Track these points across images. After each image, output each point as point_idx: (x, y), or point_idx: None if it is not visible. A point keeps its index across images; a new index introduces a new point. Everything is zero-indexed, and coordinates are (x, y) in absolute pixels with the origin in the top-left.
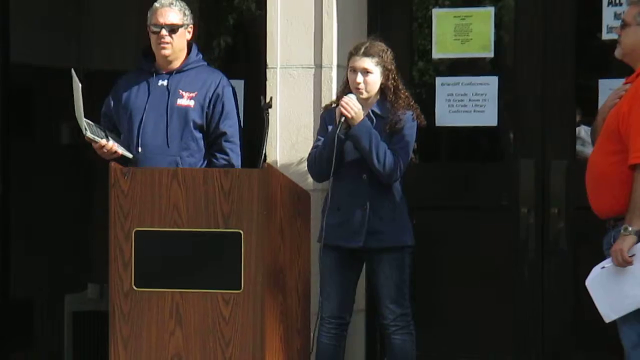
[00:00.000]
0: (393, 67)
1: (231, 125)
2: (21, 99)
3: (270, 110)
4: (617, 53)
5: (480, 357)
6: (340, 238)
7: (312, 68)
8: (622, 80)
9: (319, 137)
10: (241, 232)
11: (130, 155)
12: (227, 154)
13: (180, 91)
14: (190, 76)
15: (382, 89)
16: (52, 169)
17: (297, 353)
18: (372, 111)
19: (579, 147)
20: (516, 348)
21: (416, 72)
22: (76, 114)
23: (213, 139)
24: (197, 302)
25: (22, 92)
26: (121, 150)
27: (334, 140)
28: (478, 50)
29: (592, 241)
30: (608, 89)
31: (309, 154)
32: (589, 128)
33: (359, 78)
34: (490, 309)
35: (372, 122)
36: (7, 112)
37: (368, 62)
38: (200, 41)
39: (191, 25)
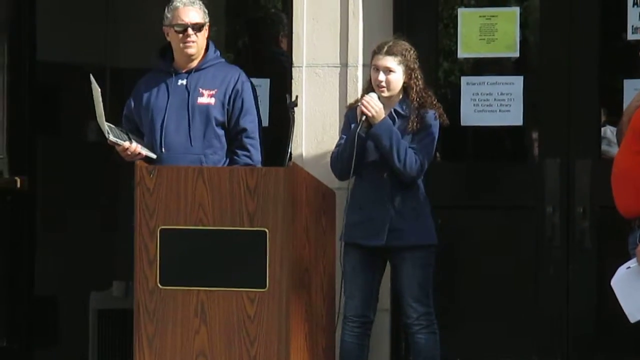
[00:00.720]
0: (416, 66)
1: (252, 121)
2: (48, 97)
3: (296, 108)
4: None
5: (504, 357)
6: (362, 237)
7: (337, 67)
8: None
9: (342, 135)
10: (266, 230)
11: (154, 156)
12: (248, 150)
13: (201, 89)
14: (209, 74)
15: (405, 88)
16: (79, 166)
17: (322, 352)
18: (395, 110)
19: (604, 147)
20: (541, 348)
21: (441, 72)
22: (97, 118)
23: (234, 135)
24: (222, 300)
25: (49, 89)
26: (145, 152)
27: (355, 139)
28: (503, 50)
29: (617, 240)
30: (633, 89)
31: (332, 153)
32: (615, 128)
33: (381, 76)
34: (515, 309)
35: (394, 121)
36: (34, 110)
37: (391, 61)
38: (227, 39)
39: (209, 23)
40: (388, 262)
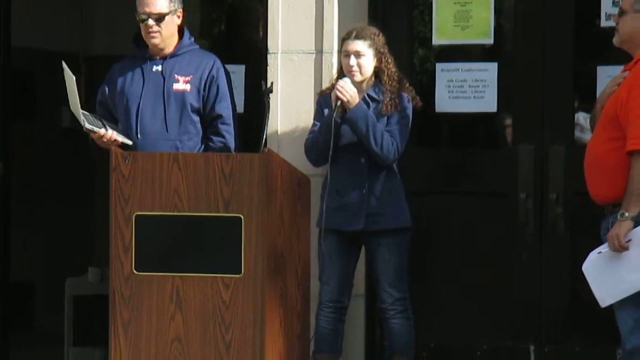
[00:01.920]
0: (385, 50)
1: (227, 107)
2: (22, 83)
3: (271, 95)
4: (615, 41)
5: (478, 342)
6: (340, 222)
7: (312, 53)
8: (621, 68)
9: (316, 122)
10: (241, 216)
11: (130, 142)
12: (223, 137)
13: (176, 75)
14: (184, 60)
15: (376, 72)
16: (53, 152)
17: (297, 337)
18: (368, 94)
19: (577, 133)
20: (514, 333)
21: (416, 58)
22: (71, 107)
23: (209, 122)
24: (197, 286)
25: (23, 75)
26: (120, 138)
27: (331, 124)
28: (478, 36)
29: (590, 226)
30: (606, 76)
31: (306, 139)
32: (588, 115)
33: (352, 61)
34: (488, 294)
35: (367, 105)
36: (9, 95)
37: (360, 45)
38: (202, 26)
39: (180, 10)
40: (363, 248)
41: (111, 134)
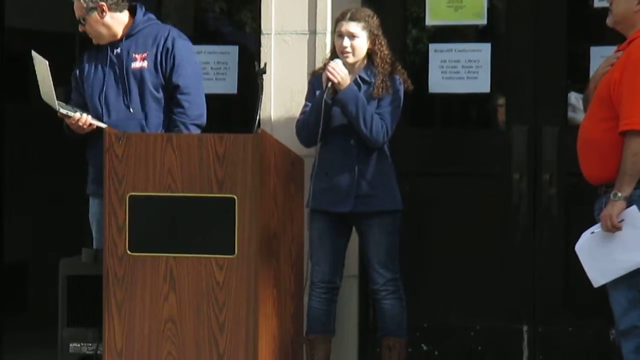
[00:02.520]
0: (379, 33)
1: (185, 77)
2: (16, 63)
3: (264, 76)
4: (609, 21)
5: (471, 322)
6: (329, 203)
7: (306, 34)
8: (614, 48)
9: (307, 102)
10: (235, 197)
11: (104, 126)
12: (182, 107)
13: (133, 54)
14: (140, 38)
15: (369, 54)
16: (47, 133)
17: (290, 317)
18: (359, 76)
19: (570, 114)
20: (507, 313)
21: (410, 39)
22: (43, 94)
23: (169, 94)
24: (191, 266)
25: (17, 56)
26: (95, 122)
27: (321, 105)
28: (471, 17)
29: (584, 206)
30: (600, 56)
31: (297, 120)
32: (580, 95)
33: (346, 42)
34: (482, 275)
35: (359, 87)
36: (2, 76)
37: (354, 27)
38: (195, 7)
39: (100, 3)
40: (354, 228)
41: (86, 117)
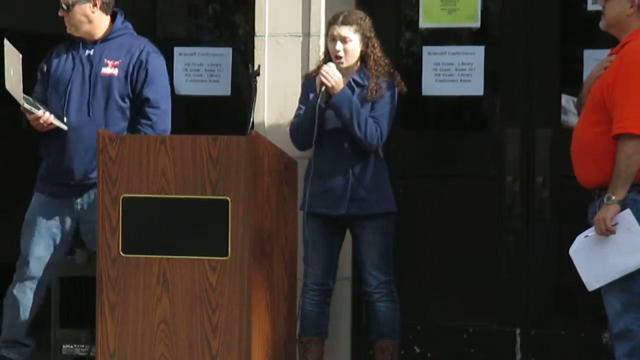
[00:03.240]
0: (372, 35)
1: (155, 92)
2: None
3: (258, 78)
4: (602, 25)
5: (465, 325)
6: (323, 206)
7: (300, 36)
8: (607, 51)
9: (301, 106)
10: (228, 199)
11: (65, 127)
12: (150, 119)
13: (105, 60)
14: (115, 44)
15: (362, 57)
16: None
17: (284, 319)
18: (353, 79)
19: (564, 117)
20: (500, 316)
21: (403, 41)
22: (8, 85)
23: (138, 106)
24: (184, 268)
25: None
26: (57, 122)
27: (315, 109)
28: (465, 20)
29: (577, 210)
30: (593, 59)
31: (291, 123)
32: (571, 97)
33: (339, 46)
34: (475, 278)
35: (352, 90)
36: None
37: (346, 30)
38: (190, 9)
39: None
40: (348, 231)
41: (48, 116)
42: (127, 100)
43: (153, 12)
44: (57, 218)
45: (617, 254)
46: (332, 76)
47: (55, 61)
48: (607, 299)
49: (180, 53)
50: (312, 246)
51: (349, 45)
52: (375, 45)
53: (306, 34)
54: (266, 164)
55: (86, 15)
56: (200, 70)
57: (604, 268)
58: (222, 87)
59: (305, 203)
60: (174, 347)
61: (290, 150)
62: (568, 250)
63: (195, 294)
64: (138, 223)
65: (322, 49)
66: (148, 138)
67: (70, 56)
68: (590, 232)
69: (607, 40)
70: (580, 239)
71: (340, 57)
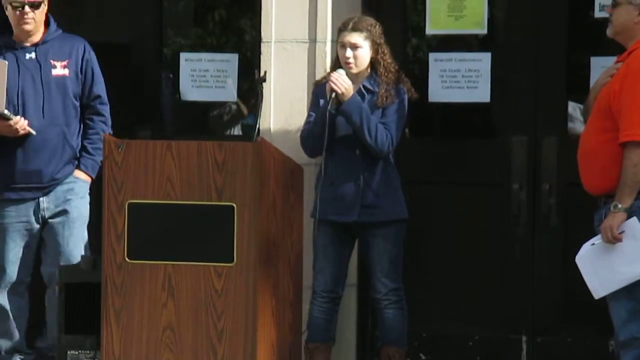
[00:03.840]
0: (382, 41)
1: (102, 89)
2: None
3: (264, 84)
4: (609, 32)
5: (470, 332)
6: (335, 213)
7: (306, 42)
8: (614, 59)
9: (311, 112)
10: (234, 205)
11: (34, 133)
12: (103, 115)
13: (52, 61)
14: (55, 45)
15: (372, 64)
16: None
17: (289, 326)
18: (363, 86)
19: (570, 124)
20: (506, 323)
21: (410, 48)
22: None
23: (87, 103)
24: (189, 274)
25: None
26: (29, 128)
27: (325, 116)
28: (471, 26)
29: (583, 217)
30: (600, 67)
31: (302, 130)
32: (578, 105)
33: (349, 53)
34: (481, 285)
35: (363, 97)
36: None
37: (357, 37)
38: (195, 14)
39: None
40: (357, 238)
41: (24, 122)
42: (78, 99)
43: (159, 18)
44: (25, 219)
45: (624, 262)
46: (342, 83)
47: None
48: (613, 306)
49: (186, 59)
50: (322, 253)
51: (359, 52)
52: (385, 51)
53: (312, 40)
54: (272, 170)
55: (44, 14)
56: (207, 76)
57: (610, 276)
58: (228, 93)
59: (317, 210)
60: (179, 353)
61: (296, 156)
62: (574, 258)
63: (200, 300)
64: (143, 229)
65: (329, 55)
66: (154, 144)
67: (10, 62)
68: (596, 239)
69: (614, 48)
70: (586, 247)
71: (350, 64)
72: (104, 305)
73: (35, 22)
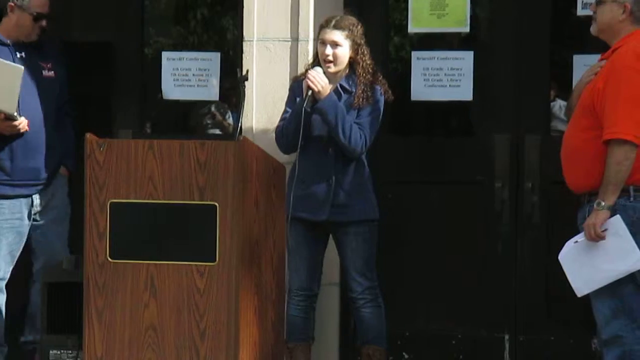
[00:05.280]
0: (363, 42)
1: (67, 90)
2: None
3: (246, 83)
4: (593, 30)
5: (453, 331)
6: (306, 211)
7: (288, 41)
8: (597, 57)
9: (287, 109)
10: (216, 204)
11: (28, 129)
12: (72, 116)
13: (39, 62)
14: (40, 47)
15: (351, 64)
16: None
17: (272, 325)
18: (340, 85)
19: (553, 122)
20: (489, 322)
21: (392, 46)
22: (11, 95)
23: (62, 103)
24: (172, 274)
25: None
26: (27, 127)
27: (300, 113)
28: (454, 25)
29: (566, 215)
30: (583, 65)
31: (277, 126)
32: (563, 103)
33: (328, 50)
34: (463, 284)
35: (339, 96)
36: None
37: (338, 35)
38: (177, 13)
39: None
40: (331, 236)
41: (25, 122)
42: (56, 98)
43: (141, 17)
44: (19, 216)
45: (607, 260)
46: (319, 81)
47: None
48: (596, 305)
49: (168, 58)
50: (295, 251)
51: (339, 50)
52: (365, 52)
53: (295, 39)
54: (254, 169)
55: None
56: (189, 75)
57: (593, 274)
58: (210, 92)
59: (289, 208)
60: (161, 352)
61: (278, 154)
62: (557, 256)
63: (182, 300)
64: (125, 228)
65: (311, 54)
66: (136, 143)
67: (7, 59)
68: (579, 237)
69: (597, 46)
70: (569, 245)
71: (330, 62)
72: (86, 304)
73: (40, 28)
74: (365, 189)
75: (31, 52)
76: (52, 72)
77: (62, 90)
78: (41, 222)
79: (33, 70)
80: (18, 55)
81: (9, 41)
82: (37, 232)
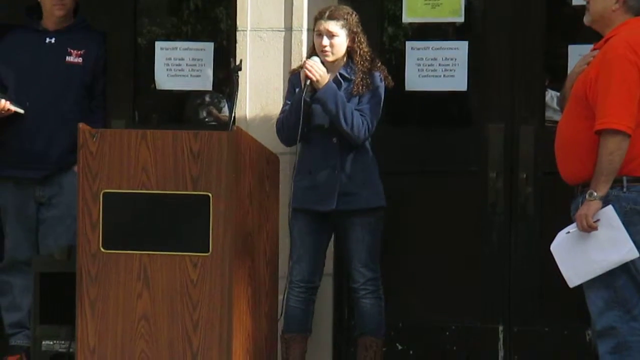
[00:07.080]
0: (359, 30)
1: (104, 83)
2: None
3: (240, 72)
4: (586, 20)
5: (448, 322)
6: (312, 201)
7: (282, 31)
8: (591, 46)
9: (287, 101)
10: (210, 194)
11: (22, 111)
12: (104, 108)
13: (69, 49)
14: (77, 35)
15: (349, 52)
16: None
17: (265, 316)
18: (340, 74)
19: (548, 112)
20: (483, 313)
21: (386, 36)
22: None
23: (94, 95)
24: (165, 264)
25: None
26: (14, 108)
27: (300, 104)
28: (448, 14)
29: (560, 206)
30: (577, 54)
31: (277, 119)
32: (557, 93)
33: (325, 41)
34: (458, 274)
35: (339, 85)
36: None
37: (333, 25)
38: (170, 2)
39: None
40: (335, 227)
41: (5, 103)
42: (85, 88)
43: (134, 6)
44: (26, 199)
45: (599, 251)
46: (317, 70)
47: (11, 50)
48: (589, 296)
49: (161, 47)
50: (299, 243)
51: (336, 40)
52: (362, 40)
53: (288, 29)
54: (248, 159)
55: (73, 4)
56: (182, 65)
57: (586, 264)
58: (203, 82)
59: (293, 199)
60: (154, 343)
61: (272, 145)
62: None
63: (176, 290)
64: (118, 219)
65: (305, 44)
66: (129, 133)
67: (30, 44)
68: (572, 228)
69: (592, 35)
70: (562, 235)
71: (327, 52)
72: (78, 295)
73: (66, 7)
74: (371, 176)
75: (64, 38)
76: (80, 59)
77: (93, 80)
78: (47, 216)
79: (57, 55)
80: (47, 41)
81: (41, 27)
82: (49, 216)
